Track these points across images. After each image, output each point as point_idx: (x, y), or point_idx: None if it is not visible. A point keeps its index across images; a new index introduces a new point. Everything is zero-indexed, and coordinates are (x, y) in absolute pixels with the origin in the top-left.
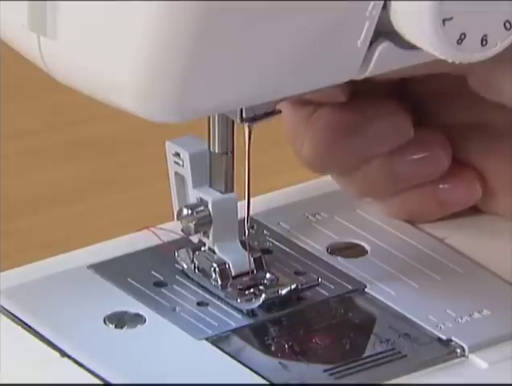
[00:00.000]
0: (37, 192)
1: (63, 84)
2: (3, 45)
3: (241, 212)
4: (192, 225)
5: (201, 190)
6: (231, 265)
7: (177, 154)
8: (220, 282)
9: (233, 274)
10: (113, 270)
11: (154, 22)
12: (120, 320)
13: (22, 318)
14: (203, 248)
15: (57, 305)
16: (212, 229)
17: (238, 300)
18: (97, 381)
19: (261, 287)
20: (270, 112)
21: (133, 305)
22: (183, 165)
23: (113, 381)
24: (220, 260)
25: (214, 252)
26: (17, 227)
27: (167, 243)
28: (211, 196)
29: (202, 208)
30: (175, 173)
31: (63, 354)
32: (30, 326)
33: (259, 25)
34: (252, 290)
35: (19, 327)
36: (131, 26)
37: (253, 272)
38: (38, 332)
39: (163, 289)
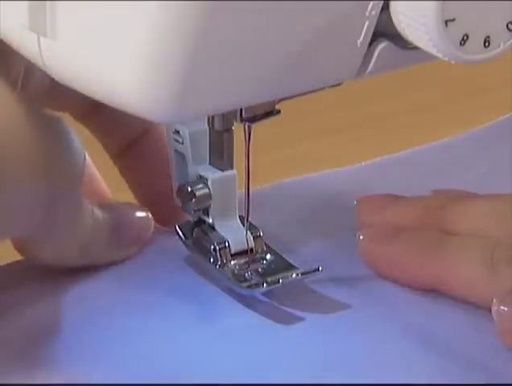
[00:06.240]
0: None
1: (63, 84)
2: None
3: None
4: (191, 203)
5: (201, 168)
6: (231, 243)
7: (177, 132)
8: (219, 262)
9: (233, 252)
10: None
11: (154, 23)
12: None
13: None
14: (202, 226)
15: None
16: (211, 207)
17: (243, 286)
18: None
19: (260, 270)
20: (270, 112)
21: None
22: (183, 142)
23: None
24: (219, 239)
25: (214, 229)
26: None
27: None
28: (210, 174)
29: (202, 186)
30: (175, 151)
31: None
32: None
33: (259, 25)
34: (251, 273)
35: None
36: (131, 26)
37: (252, 251)
38: None
39: None
